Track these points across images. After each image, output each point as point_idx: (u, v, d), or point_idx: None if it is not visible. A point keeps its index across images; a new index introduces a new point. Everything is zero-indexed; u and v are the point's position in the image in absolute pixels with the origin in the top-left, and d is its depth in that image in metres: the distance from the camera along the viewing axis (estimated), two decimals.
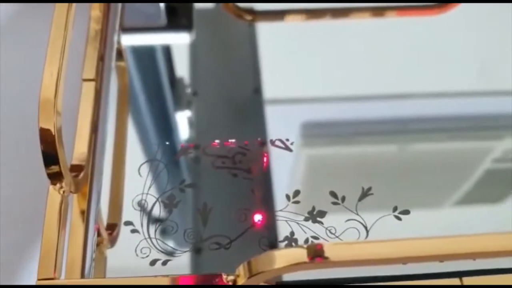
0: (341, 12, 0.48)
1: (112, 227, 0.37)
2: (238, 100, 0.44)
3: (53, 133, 0.30)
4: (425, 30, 0.47)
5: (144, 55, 0.47)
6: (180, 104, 0.44)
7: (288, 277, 0.34)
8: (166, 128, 0.42)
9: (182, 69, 0.45)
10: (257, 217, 0.36)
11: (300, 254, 0.25)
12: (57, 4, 0.33)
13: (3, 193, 0.42)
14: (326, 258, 0.25)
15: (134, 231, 0.36)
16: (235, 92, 0.44)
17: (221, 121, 0.42)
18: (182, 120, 0.43)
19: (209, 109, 0.43)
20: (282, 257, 0.26)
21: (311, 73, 0.44)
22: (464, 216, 0.38)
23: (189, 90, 0.44)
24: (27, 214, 0.37)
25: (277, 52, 0.46)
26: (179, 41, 0.47)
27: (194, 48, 0.46)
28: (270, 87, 0.44)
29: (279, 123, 0.41)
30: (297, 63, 0.45)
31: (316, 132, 0.42)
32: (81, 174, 0.34)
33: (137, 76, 0.45)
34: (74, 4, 0.33)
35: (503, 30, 0.46)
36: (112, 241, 0.36)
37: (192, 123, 0.42)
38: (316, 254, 0.25)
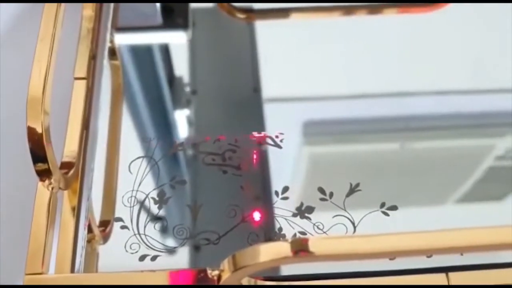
0: (335, 10, 0.48)
1: (105, 224, 0.37)
2: (237, 99, 0.44)
3: (41, 131, 0.30)
4: (426, 28, 0.47)
5: (143, 53, 0.47)
6: (177, 102, 0.44)
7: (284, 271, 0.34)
8: (160, 125, 0.43)
9: (182, 67, 0.45)
10: (246, 213, 0.37)
11: (284, 248, 0.25)
12: (46, 4, 0.33)
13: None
14: (310, 252, 0.25)
15: (123, 227, 0.36)
16: (235, 91, 0.44)
17: (220, 119, 0.42)
18: (178, 118, 0.43)
19: (208, 108, 0.43)
20: (266, 251, 0.26)
21: (310, 72, 0.45)
22: (466, 213, 0.39)
23: (188, 89, 0.44)
24: (21, 210, 0.37)
25: (277, 51, 0.46)
26: (175, 40, 0.47)
27: (193, 47, 0.47)
28: (269, 86, 0.44)
29: (278, 121, 0.42)
30: (296, 62, 0.45)
31: (314, 131, 0.42)
32: (71, 171, 0.35)
33: (134, 74, 0.45)
34: (63, 4, 0.34)
35: (505, 28, 0.46)
36: (105, 238, 0.36)
37: (190, 121, 0.43)
38: (300, 248, 0.25)
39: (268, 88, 0.44)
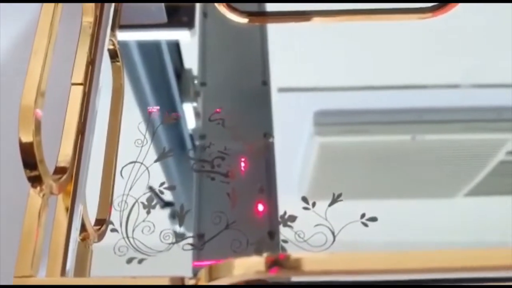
0: (347, 14, 0.48)
1: (101, 223, 0.38)
2: (246, 93, 0.45)
3: (31, 140, 0.31)
4: (440, 21, 0.47)
5: (151, 50, 0.48)
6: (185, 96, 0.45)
7: None
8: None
9: (191, 60, 0.46)
10: (231, 220, 0.38)
11: (257, 263, 0.26)
12: (42, 11, 0.34)
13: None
14: (283, 268, 0.26)
15: (113, 230, 0.37)
16: (243, 84, 0.45)
17: (228, 113, 0.43)
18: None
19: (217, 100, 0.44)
20: (240, 265, 0.27)
21: (318, 67, 0.45)
22: (476, 206, 0.39)
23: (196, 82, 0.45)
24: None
25: (286, 45, 0.46)
26: (179, 39, 0.48)
27: (203, 42, 0.47)
28: (278, 79, 0.45)
29: (287, 115, 0.43)
30: (307, 54, 0.46)
31: (324, 124, 0.43)
32: (65, 176, 0.35)
33: (142, 67, 0.46)
34: (59, 10, 0.34)
35: None
36: (100, 236, 0.38)
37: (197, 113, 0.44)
38: (272, 264, 0.26)
39: (277, 81, 0.44)
